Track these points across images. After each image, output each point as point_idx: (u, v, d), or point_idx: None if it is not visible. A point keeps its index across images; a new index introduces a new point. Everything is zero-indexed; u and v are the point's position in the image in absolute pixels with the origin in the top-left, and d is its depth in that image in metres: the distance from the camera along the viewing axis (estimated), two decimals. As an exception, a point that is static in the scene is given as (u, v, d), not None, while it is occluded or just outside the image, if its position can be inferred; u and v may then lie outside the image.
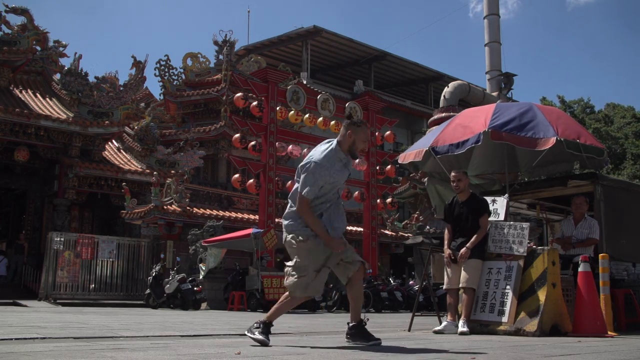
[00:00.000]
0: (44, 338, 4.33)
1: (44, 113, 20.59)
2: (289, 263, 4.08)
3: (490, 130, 6.06)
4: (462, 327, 5.60)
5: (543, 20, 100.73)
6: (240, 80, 18.50)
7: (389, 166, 20.34)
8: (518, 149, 6.82)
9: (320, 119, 18.35)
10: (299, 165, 4.06)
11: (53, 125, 20.20)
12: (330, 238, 3.90)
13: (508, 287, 5.68)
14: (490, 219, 6.05)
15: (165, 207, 18.82)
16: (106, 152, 22.83)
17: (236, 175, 17.46)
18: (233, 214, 20.54)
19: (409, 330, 6.29)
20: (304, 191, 3.88)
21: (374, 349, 3.83)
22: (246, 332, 4.09)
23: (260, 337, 3.94)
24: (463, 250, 5.81)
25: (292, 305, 4.15)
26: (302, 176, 3.92)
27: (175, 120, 28.17)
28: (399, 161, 7.38)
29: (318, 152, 4.01)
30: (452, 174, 6.02)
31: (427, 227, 23.46)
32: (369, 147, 19.95)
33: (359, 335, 4.07)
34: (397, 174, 23.72)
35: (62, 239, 17.91)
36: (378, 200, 19.99)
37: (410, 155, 7.01)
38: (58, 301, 16.35)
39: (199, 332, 5.42)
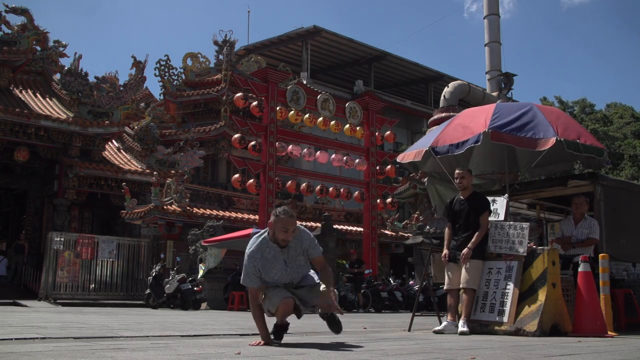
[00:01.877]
0: (44, 338, 4.33)
1: (44, 113, 20.60)
2: None
3: (490, 131, 6.06)
4: (462, 327, 5.60)
5: (539, 20, 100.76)
6: (240, 80, 18.50)
7: (389, 166, 20.34)
8: (518, 149, 6.82)
9: (320, 119, 18.36)
10: None
11: (53, 125, 20.20)
12: (263, 334, 4.08)
13: (508, 287, 5.68)
14: (490, 218, 6.05)
15: (165, 207, 18.82)
16: (106, 152, 22.84)
17: (236, 175, 17.47)
18: (233, 214, 20.53)
19: (409, 330, 6.29)
20: (245, 282, 4.19)
21: (374, 350, 3.83)
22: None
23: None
24: (465, 251, 5.81)
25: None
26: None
27: (175, 120, 28.18)
28: (398, 160, 7.38)
29: (250, 242, 4.23)
30: (457, 171, 6.05)
31: (427, 227, 23.46)
32: (368, 147, 19.98)
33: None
34: (397, 174, 23.72)
35: (62, 239, 17.91)
36: (378, 200, 19.99)
37: (410, 155, 7.00)
38: (58, 301, 16.35)
39: (199, 332, 5.42)
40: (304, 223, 19.41)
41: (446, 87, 29.79)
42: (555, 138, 5.90)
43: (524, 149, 6.33)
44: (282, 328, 4.17)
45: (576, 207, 6.60)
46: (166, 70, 27.79)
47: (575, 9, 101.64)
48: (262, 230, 4.27)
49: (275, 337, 4.11)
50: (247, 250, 4.15)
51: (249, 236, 15.34)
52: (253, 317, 4.16)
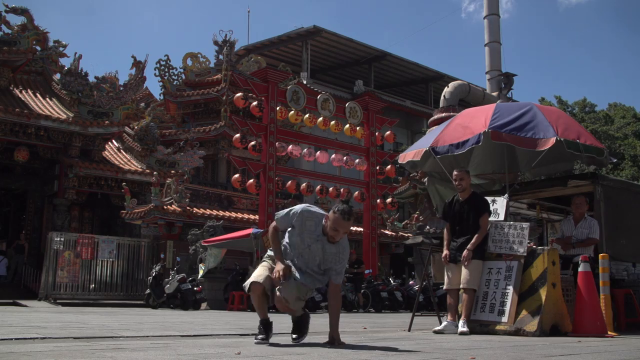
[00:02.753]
0: (44, 338, 4.33)
1: (44, 113, 20.59)
2: None
3: (490, 131, 6.06)
4: (462, 327, 5.60)
5: (537, 20, 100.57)
6: (240, 80, 18.50)
7: (389, 166, 20.34)
8: (518, 149, 6.82)
9: (320, 119, 18.35)
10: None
11: (53, 125, 20.20)
12: (280, 258, 4.10)
13: (508, 287, 5.68)
14: (490, 219, 6.05)
15: (165, 207, 18.82)
16: (106, 152, 22.84)
17: (236, 175, 17.47)
18: (233, 214, 20.53)
19: (409, 330, 6.29)
20: (277, 218, 4.20)
21: (374, 350, 3.83)
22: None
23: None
24: (465, 252, 5.81)
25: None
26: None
27: (175, 120, 28.17)
28: (399, 161, 7.38)
29: (313, 207, 4.24)
30: (455, 172, 6.03)
31: (427, 227, 23.42)
32: (368, 147, 19.98)
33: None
34: (397, 174, 23.70)
35: (62, 239, 17.90)
36: (378, 200, 19.99)
37: (410, 155, 7.01)
38: (58, 301, 16.35)
39: (199, 332, 5.42)
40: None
41: (446, 87, 29.72)
42: (555, 138, 5.91)
43: (523, 149, 6.33)
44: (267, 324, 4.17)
45: (576, 207, 6.60)
46: (166, 70, 27.76)
47: (572, 9, 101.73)
48: (323, 213, 4.21)
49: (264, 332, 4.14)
50: (306, 206, 4.17)
51: (249, 236, 15.39)
52: (272, 243, 4.16)
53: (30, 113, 19.96)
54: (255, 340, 4.09)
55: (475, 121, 6.42)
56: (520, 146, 6.19)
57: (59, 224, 20.40)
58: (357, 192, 19.50)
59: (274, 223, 4.22)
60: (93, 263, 18.26)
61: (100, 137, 21.57)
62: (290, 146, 17.78)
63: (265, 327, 4.14)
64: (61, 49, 24.36)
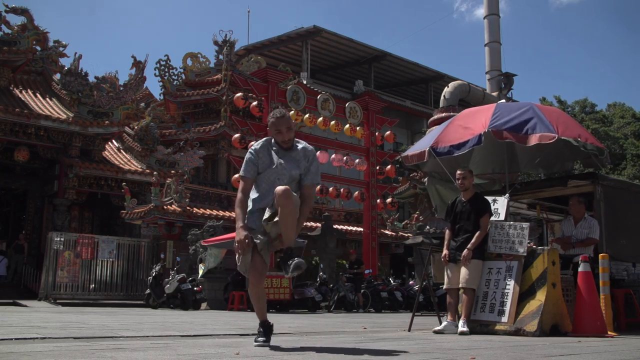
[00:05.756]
0: (44, 338, 4.33)
1: (44, 113, 20.59)
2: None
3: (491, 130, 6.06)
4: (462, 327, 5.60)
5: (533, 18, 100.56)
6: (240, 80, 18.49)
7: (389, 166, 20.33)
8: (518, 148, 6.82)
9: (320, 119, 18.35)
10: None
11: (53, 125, 20.20)
12: (238, 226, 3.88)
13: (508, 287, 5.68)
14: (490, 219, 6.04)
15: (165, 207, 18.81)
16: (106, 152, 22.84)
17: (236, 175, 17.45)
18: (233, 214, 20.49)
19: (409, 330, 6.29)
20: (242, 173, 4.13)
21: (374, 350, 3.83)
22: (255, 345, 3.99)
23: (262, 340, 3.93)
24: (465, 252, 5.81)
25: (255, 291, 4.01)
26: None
27: (175, 120, 28.17)
28: (404, 162, 7.36)
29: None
30: (458, 171, 6.04)
31: (427, 227, 23.45)
32: (368, 147, 19.97)
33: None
34: (397, 174, 23.69)
35: (62, 239, 17.90)
36: (378, 200, 19.98)
37: (413, 157, 6.99)
38: (58, 301, 16.35)
39: (199, 332, 5.42)
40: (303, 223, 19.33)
41: (446, 87, 29.75)
42: (555, 136, 5.90)
43: (524, 148, 6.34)
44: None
45: (573, 209, 6.60)
46: (166, 70, 27.77)
47: (564, 8, 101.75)
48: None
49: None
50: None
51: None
52: (236, 208, 3.95)
53: (30, 113, 19.96)
54: (256, 343, 3.88)
55: (475, 121, 6.42)
56: (521, 143, 6.17)
57: (59, 224, 20.40)
58: (357, 192, 19.50)
59: (242, 185, 4.06)
60: (93, 263, 18.26)
61: (100, 137, 21.57)
62: (290, 146, 17.75)
63: (266, 330, 3.96)
64: (61, 49, 24.37)
